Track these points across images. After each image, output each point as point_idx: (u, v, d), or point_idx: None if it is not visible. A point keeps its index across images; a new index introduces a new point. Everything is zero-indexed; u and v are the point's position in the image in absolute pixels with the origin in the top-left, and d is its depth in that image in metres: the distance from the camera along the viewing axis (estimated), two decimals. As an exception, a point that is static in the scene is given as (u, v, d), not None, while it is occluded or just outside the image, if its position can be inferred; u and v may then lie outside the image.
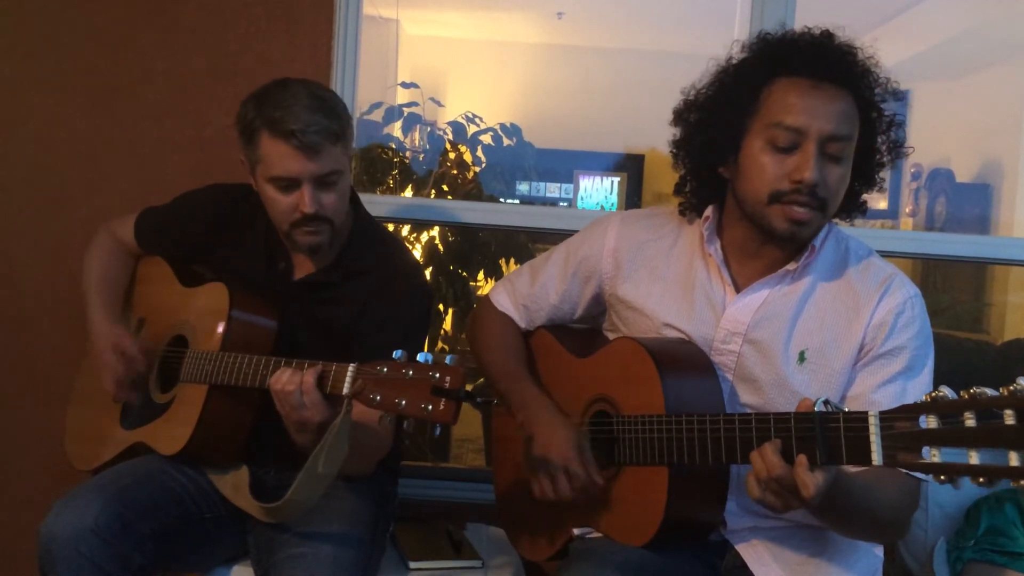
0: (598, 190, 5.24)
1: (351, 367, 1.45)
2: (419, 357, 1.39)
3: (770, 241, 1.53)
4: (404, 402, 1.38)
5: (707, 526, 1.53)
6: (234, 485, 1.75)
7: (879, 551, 1.59)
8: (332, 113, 1.70)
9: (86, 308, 1.92)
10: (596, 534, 1.60)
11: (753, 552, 1.54)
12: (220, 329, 1.73)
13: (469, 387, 1.39)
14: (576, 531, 1.64)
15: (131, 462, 1.78)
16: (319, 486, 1.54)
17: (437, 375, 1.36)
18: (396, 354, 1.41)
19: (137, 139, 2.36)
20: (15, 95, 2.38)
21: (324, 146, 1.68)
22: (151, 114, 2.36)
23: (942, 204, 4.50)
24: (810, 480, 1.22)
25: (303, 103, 1.67)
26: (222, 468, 1.78)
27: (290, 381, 1.52)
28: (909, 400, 1.46)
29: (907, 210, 4.70)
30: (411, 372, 1.38)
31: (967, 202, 4.55)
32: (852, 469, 1.33)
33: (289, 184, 1.71)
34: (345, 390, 1.44)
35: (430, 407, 1.36)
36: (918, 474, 1.42)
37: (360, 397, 1.42)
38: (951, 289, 4.62)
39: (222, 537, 1.78)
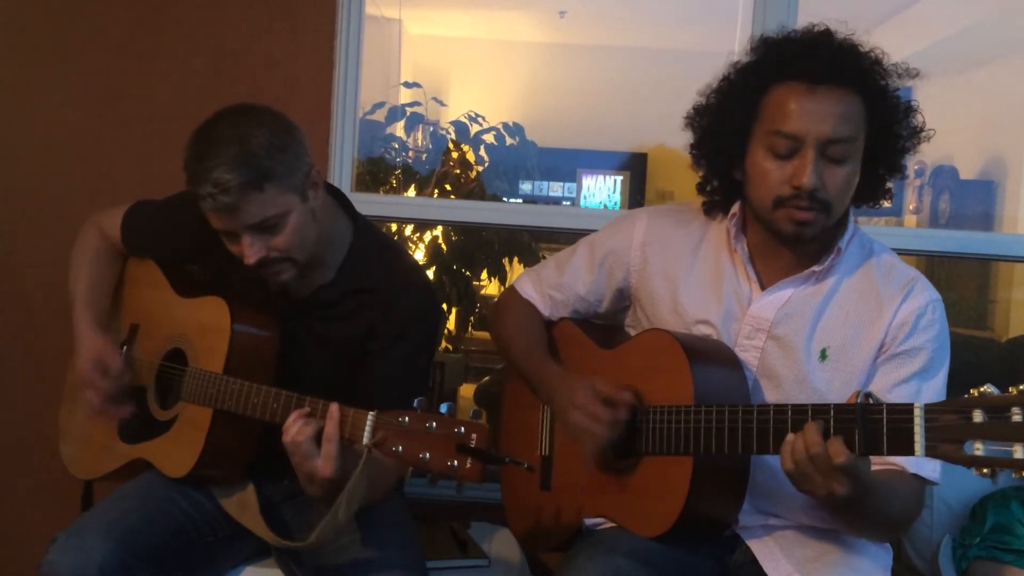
0: (601, 189, 5.23)
1: (370, 415, 1.39)
2: (441, 408, 1.34)
3: (783, 244, 1.55)
4: (428, 456, 1.32)
5: (722, 524, 1.54)
6: (240, 504, 1.73)
7: (888, 548, 1.60)
8: (249, 160, 1.53)
9: (72, 312, 1.85)
10: (606, 525, 1.61)
11: (764, 548, 1.54)
12: (222, 348, 1.68)
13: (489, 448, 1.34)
14: (588, 522, 1.65)
15: (137, 488, 1.73)
16: (340, 529, 1.50)
17: (462, 431, 1.30)
18: (415, 403, 1.36)
19: (139, 140, 2.36)
20: (17, 95, 2.38)
21: (242, 200, 1.54)
22: (153, 115, 2.36)
23: (946, 201, 4.49)
24: (842, 450, 1.24)
25: (216, 159, 1.53)
26: (228, 487, 1.75)
27: (301, 432, 1.44)
28: (923, 401, 1.49)
29: (910, 207, 4.69)
30: (434, 425, 1.33)
31: (971, 199, 4.53)
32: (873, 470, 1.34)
33: (229, 236, 1.61)
34: (365, 440, 1.39)
35: (455, 463, 1.30)
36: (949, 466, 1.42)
37: (382, 448, 1.37)
38: (955, 286, 4.61)
39: (226, 553, 1.76)
